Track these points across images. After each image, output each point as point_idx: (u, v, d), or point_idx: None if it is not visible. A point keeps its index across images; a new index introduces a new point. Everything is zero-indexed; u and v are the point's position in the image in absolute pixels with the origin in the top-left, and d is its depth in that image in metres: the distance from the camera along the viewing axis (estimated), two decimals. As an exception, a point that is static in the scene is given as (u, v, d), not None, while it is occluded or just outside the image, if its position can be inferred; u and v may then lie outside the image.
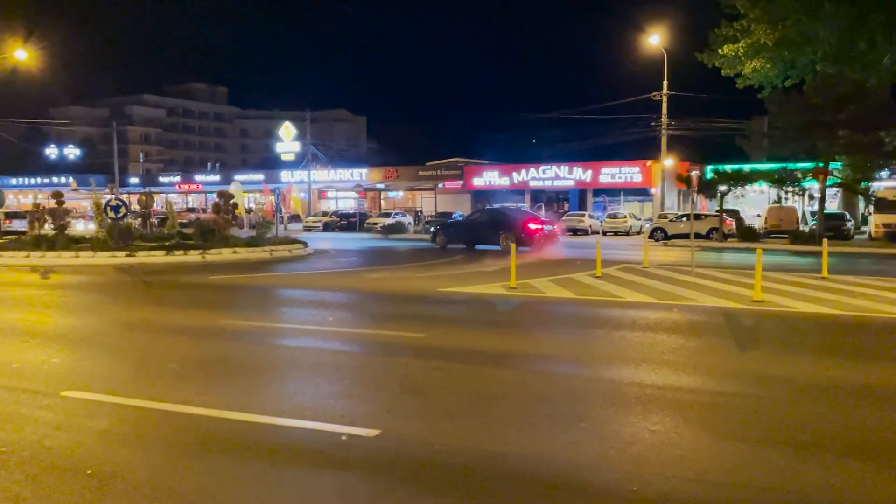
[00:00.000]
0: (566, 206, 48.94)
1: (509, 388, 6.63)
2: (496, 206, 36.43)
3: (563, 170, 48.37)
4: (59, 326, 10.14)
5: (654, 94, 38.22)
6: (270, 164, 66.05)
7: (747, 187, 33.86)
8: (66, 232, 21.62)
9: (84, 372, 7.27)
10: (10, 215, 36.62)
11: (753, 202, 40.53)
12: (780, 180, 32.46)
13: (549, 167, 49.00)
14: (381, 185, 57.16)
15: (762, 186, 36.43)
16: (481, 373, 7.23)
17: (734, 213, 35.18)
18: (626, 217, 41.71)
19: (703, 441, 5.15)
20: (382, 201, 60.30)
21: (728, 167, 36.45)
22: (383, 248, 27.86)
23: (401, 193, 59.56)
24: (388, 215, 45.13)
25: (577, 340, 9.17)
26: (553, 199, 51.38)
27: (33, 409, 5.85)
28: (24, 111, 70.99)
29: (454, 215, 45.46)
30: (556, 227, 28.16)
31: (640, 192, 47.44)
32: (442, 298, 12.71)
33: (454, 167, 54.85)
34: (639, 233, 39.74)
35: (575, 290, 13.21)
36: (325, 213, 49.30)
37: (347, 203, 57.68)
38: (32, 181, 67.21)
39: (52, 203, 22.19)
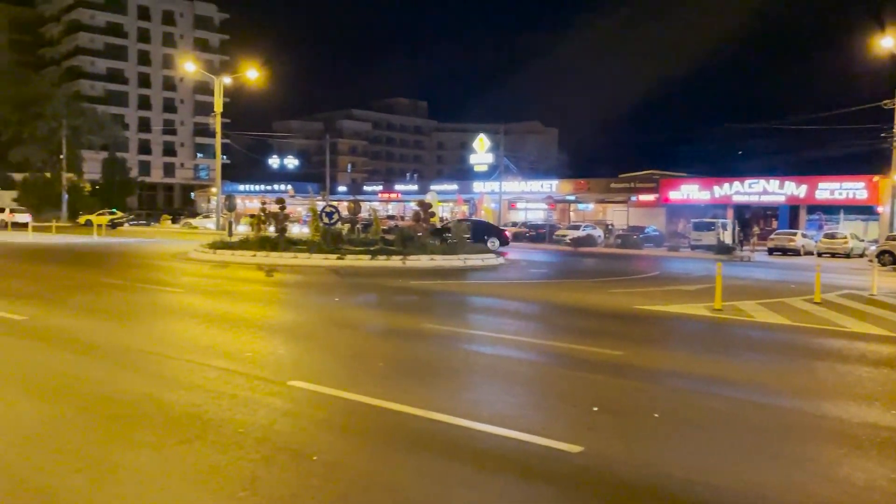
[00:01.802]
0: (774, 224, 45.23)
1: (717, 416, 6.24)
2: (474, 218, 37.29)
3: (773, 184, 44.77)
4: (283, 321, 11.18)
5: (886, 102, 34.27)
6: (464, 174, 68.13)
7: None
8: (286, 235, 23.86)
9: (306, 364, 7.95)
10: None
11: None
12: None
13: (755, 181, 45.63)
14: (572, 197, 56.64)
15: None
16: (685, 397, 6.89)
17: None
18: (846, 238, 37.60)
19: (958, 499, 4.49)
20: (572, 213, 59.70)
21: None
22: (573, 261, 27.57)
23: (591, 206, 58.60)
24: (577, 227, 44.59)
25: (795, 371, 8.42)
26: (759, 216, 47.76)
27: (264, 395, 6.48)
28: (251, 125, 79.69)
29: (647, 230, 43.86)
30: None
31: (864, 211, 42.59)
32: (639, 316, 12.30)
33: (649, 180, 52.97)
34: (861, 255, 35.64)
35: (790, 316, 12.14)
36: (514, 224, 49.83)
37: (537, 214, 57.88)
38: (256, 188, 74.94)
39: (276, 208, 24.53)
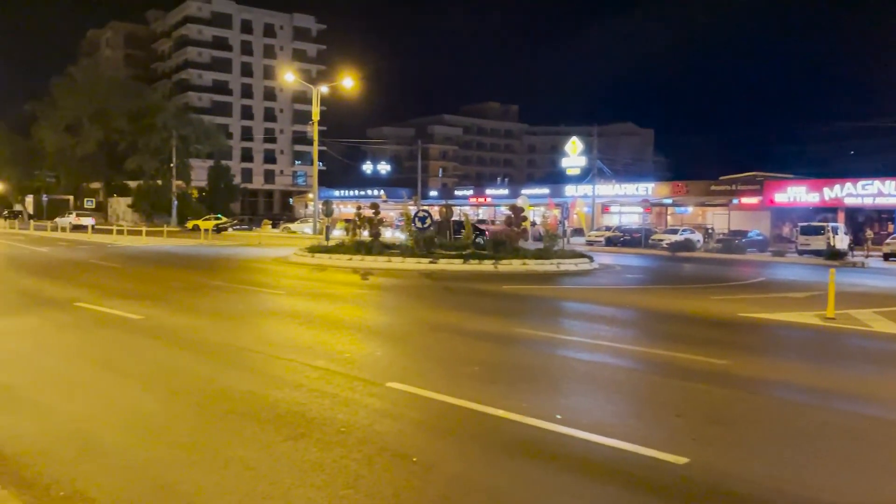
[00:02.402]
0: (890, 228, 42.29)
1: (831, 430, 5.89)
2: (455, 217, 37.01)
3: (889, 185, 41.85)
4: (379, 323, 11.41)
5: None
6: (555, 178, 67.39)
7: None
8: (379, 239, 24.34)
9: (402, 366, 8.07)
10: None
11: None
12: None
13: (869, 182, 42.80)
14: (669, 201, 54.95)
15: None
16: (795, 409, 6.55)
17: None
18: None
19: None
20: (669, 217, 57.92)
21: None
22: (671, 266, 26.74)
23: (689, 209, 56.64)
24: (674, 232, 43.18)
25: (919, 385, 7.82)
26: (873, 219, 44.76)
27: (364, 395, 6.62)
28: (346, 132, 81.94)
29: (750, 234, 41.97)
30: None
31: None
32: (744, 324, 11.77)
33: (752, 182, 50.65)
34: None
35: (912, 326, 11.32)
36: (608, 228, 48.85)
37: (631, 218, 56.50)
38: (350, 193, 76.88)
39: (370, 213, 25.05)
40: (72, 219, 55.63)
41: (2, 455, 4.88)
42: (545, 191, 59.96)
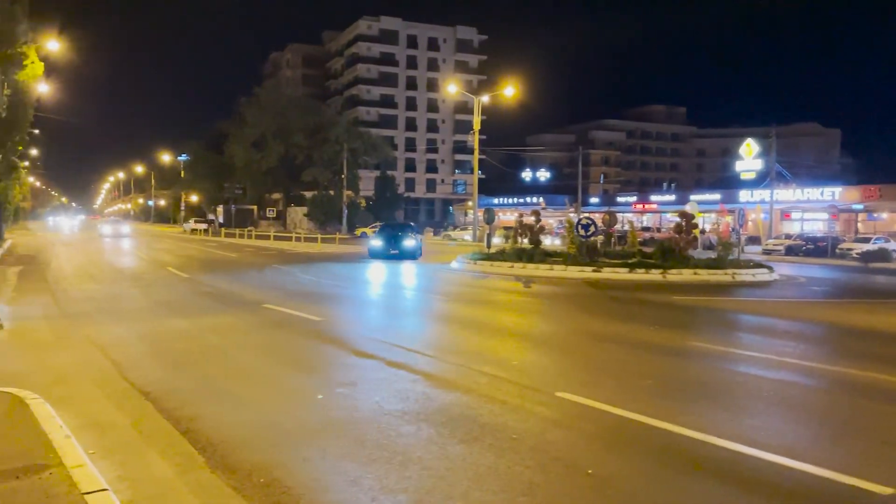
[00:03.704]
0: None
1: None
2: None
3: None
4: (544, 331, 11.35)
5: None
6: (727, 183, 63.58)
7: None
8: (540, 246, 24.23)
9: (571, 376, 7.95)
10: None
11: None
12: None
13: None
14: (859, 206, 49.90)
15: None
16: None
17: None
18: None
19: None
20: (859, 224, 52.59)
21: None
22: (863, 278, 24.25)
23: (884, 215, 51.11)
24: (866, 240, 39.10)
25: None
26: None
27: (533, 404, 6.60)
28: (505, 139, 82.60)
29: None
30: None
31: None
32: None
33: (962, 184, 44.78)
34: None
35: None
36: (787, 236, 45.22)
37: (814, 225, 51.93)
38: (509, 200, 77.34)
39: (531, 220, 25.03)
40: (192, 224, 72.41)
41: (210, 442, 5.40)
42: (716, 196, 56.73)
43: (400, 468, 4.88)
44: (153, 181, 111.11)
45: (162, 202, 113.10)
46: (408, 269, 23.68)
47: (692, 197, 52.01)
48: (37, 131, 41.33)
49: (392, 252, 27.60)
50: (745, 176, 48.56)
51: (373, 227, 58.32)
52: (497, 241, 33.39)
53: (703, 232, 41.00)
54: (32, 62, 25.45)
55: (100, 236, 49.63)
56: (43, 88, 30.29)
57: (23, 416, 5.70)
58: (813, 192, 51.53)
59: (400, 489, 4.52)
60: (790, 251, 40.13)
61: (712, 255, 23.51)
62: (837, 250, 37.49)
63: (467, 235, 54.49)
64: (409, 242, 28.04)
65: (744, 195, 53.54)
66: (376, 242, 28.68)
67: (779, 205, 51.64)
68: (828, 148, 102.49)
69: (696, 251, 25.47)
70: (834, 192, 50.19)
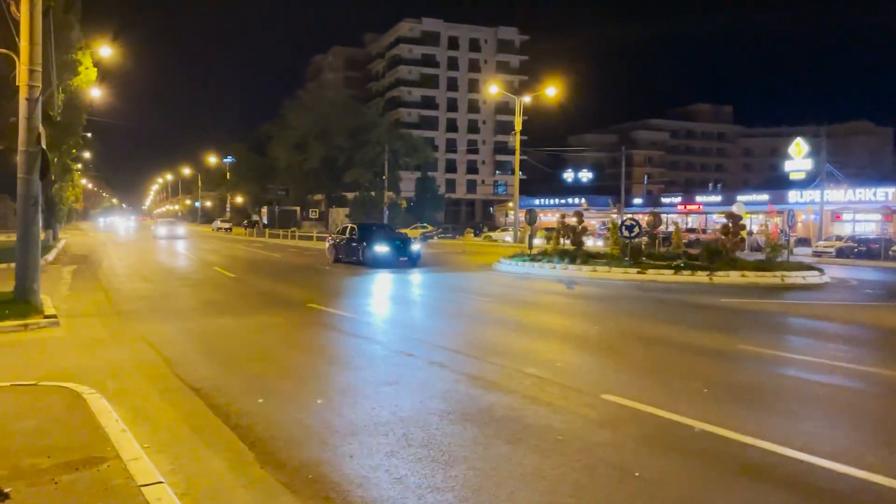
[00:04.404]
0: None
1: None
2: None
3: None
4: (588, 333, 11.25)
5: None
6: (775, 183, 62.12)
7: None
8: (583, 248, 24.02)
9: (616, 378, 7.87)
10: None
11: None
12: None
13: None
14: (915, 206, 48.22)
15: None
16: None
17: None
18: None
19: None
20: (915, 225, 50.82)
21: None
22: (920, 281, 23.43)
23: (942, 216, 49.30)
24: (922, 242, 37.76)
25: None
26: None
27: (579, 405, 6.55)
28: (547, 140, 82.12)
29: None
30: None
31: None
32: None
33: None
34: None
35: None
36: (838, 238, 43.92)
37: (866, 227, 50.36)
38: (550, 201, 76.84)
39: (573, 221, 24.83)
40: (218, 223, 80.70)
41: (259, 438, 5.50)
42: (764, 197, 55.48)
43: (445, 467, 4.90)
44: (199, 183, 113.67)
45: (208, 203, 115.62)
46: (448, 271, 23.72)
47: (739, 197, 50.89)
48: (89, 134, 42.57)
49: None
50: (794, 176, 47.39)
51: (414, 228, 58.61)
52: (538, 241, 33.23)
53: (750, 233, 40.15)
54: (86, 68, 26.28)
55: (154, 237, 49.67)
56: (95, 93, 31.23)
57: (81, 411, 5.89)
58: (865, 193, 50.00)
59: (447, 488, 4.54)
60: (841, 253, 39.01)
61: (760, 257, 22.98)
62: (891, 252, 36.31)
63: (508, 236, 54.37)
64: (414, 247, 25.02)
65: (793, 196, 52.25)
66: (381, 249, 24.17)
67: (829, 206, 50.23)
68: (881, 147, 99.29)
69: (743, 253, 24.93)
70: (887, 193, 48.63)
